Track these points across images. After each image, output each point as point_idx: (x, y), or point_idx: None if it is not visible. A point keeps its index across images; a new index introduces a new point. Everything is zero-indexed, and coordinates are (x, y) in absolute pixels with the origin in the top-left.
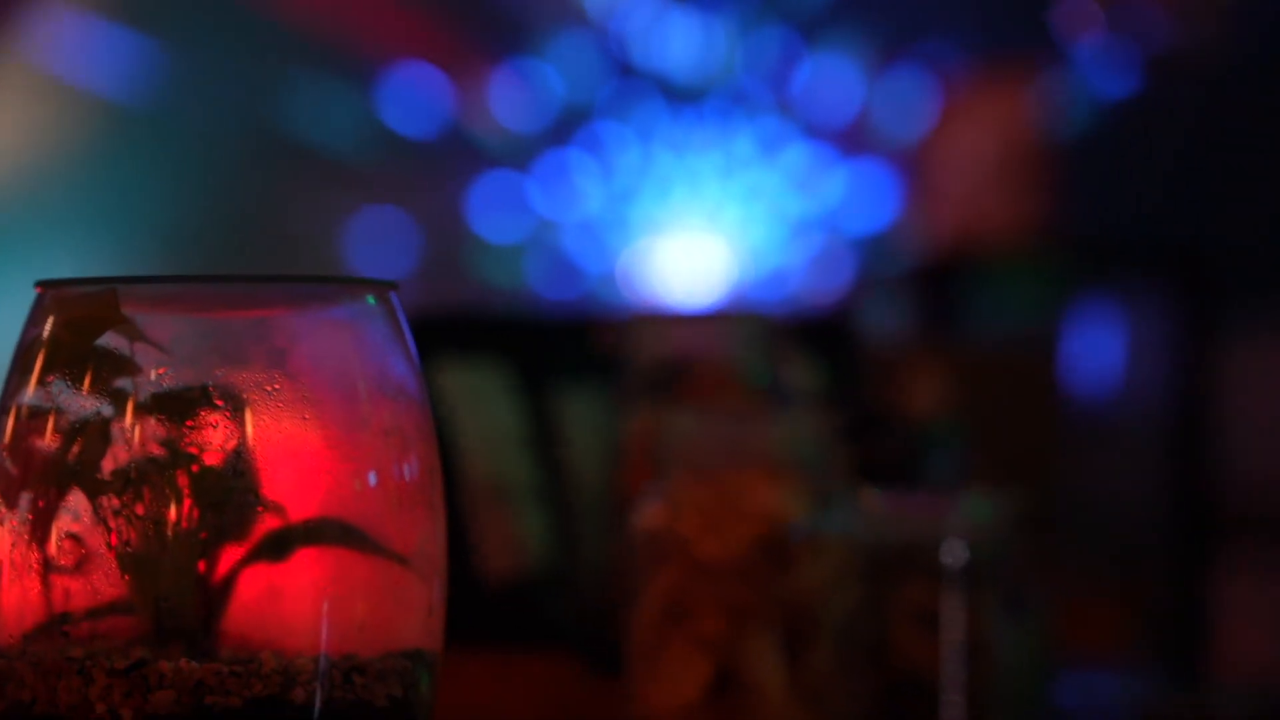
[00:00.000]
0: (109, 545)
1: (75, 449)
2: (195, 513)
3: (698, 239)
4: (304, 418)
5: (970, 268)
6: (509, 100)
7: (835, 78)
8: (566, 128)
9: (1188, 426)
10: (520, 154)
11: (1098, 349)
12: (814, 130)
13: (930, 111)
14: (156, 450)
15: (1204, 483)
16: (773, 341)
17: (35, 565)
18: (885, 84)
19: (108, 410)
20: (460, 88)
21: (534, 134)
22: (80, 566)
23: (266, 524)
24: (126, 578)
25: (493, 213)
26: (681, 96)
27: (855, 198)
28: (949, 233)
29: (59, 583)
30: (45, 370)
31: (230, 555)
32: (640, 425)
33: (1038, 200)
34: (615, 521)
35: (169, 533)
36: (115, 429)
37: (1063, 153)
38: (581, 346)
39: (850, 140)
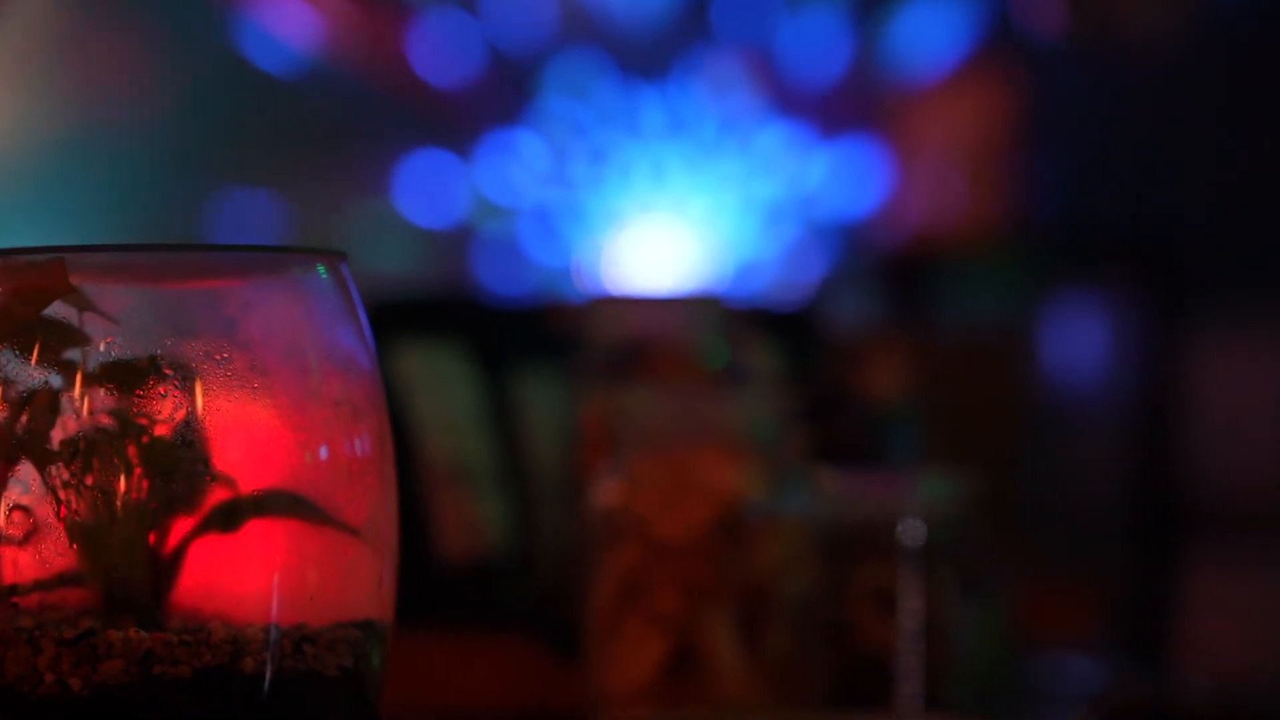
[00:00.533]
0: (58, 516)
1: (24, 419)
2: (145, 483)
3: (662, 229)
4: (254, 388)
5: (941, 260)
6: (434, 59)
7: (813, 40)
8: (510, 101)
9: (1155, 418)
10: (451, 129)
11: (1066, 340)
12: (790, 107)
13: (908, 95)
14: (106, 421)
15: (1170, 474)
16: (731, 324)
17: None
18: (864, 55)
19: (56, 381)
20: (371, 47)
21: (466, 104)
22: (29, 538)
23: (216, 495)
24: (76, 548)
25: (419, 196)
26: (642, 67)
27: (830, 183)
28: (921, 224)
29: (8, 554)
30: None
31: (180, 526)
32: (598, 406)
33: (1008, 193)
34: (574, 502)
35: (118, 503)
36: (64, 399)
37: (1033, 145)
38: (539, 328)
39: (827, 118)
